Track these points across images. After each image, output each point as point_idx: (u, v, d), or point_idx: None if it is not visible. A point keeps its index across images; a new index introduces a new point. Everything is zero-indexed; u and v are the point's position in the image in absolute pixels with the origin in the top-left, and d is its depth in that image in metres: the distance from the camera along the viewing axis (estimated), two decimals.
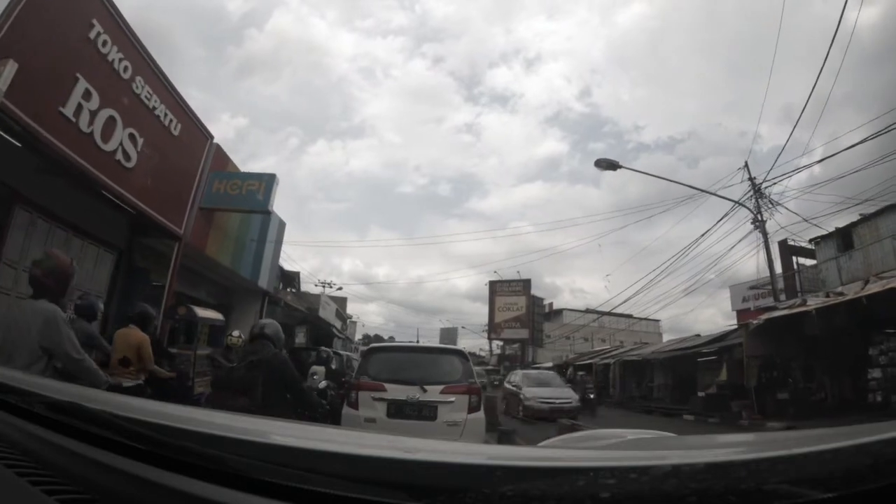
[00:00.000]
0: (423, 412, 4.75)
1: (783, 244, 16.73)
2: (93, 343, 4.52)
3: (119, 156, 7.25)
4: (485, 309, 44.80)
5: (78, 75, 6.32)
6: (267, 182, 10.51)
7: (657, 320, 39.96)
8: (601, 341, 37.82)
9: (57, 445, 0.81)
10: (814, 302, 11.30)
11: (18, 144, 5.79)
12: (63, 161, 6.24)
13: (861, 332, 10.77)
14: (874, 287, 9.85)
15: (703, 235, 15.97)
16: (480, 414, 5.01)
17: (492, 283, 43.62)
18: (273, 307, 16.38)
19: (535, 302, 42.98)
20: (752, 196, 14.09)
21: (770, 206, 14.00)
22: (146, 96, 7.81)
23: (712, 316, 55.11)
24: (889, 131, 10.73)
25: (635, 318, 35.37)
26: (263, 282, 14.23)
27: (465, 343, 45.88)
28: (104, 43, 6.73)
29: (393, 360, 5.33)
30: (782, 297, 14.71)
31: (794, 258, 17.62)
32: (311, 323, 21.79)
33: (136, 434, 0.74)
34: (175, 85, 8.76)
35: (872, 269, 12.97)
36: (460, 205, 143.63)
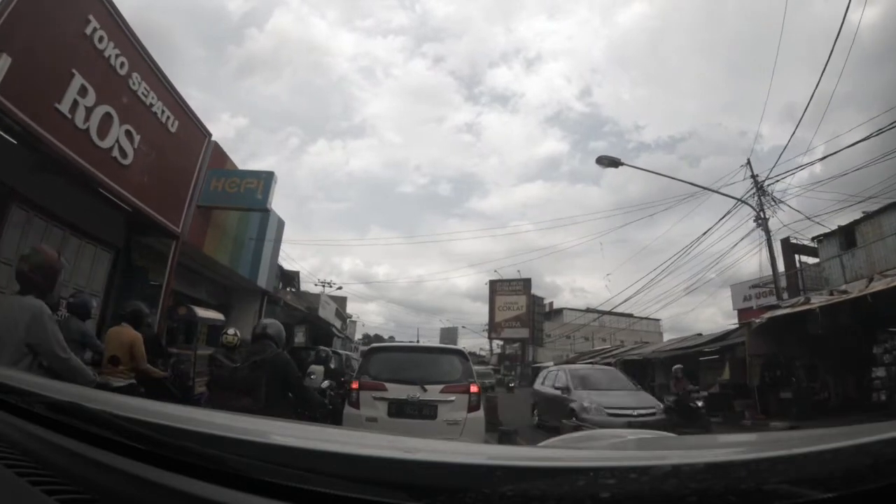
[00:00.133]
0: (423, 411, 4.81)
1: (786, 242, 16.73)
2: (85, 342, 4.50)
3: (115, 153, 7.24)
4: (485, 308, 44.91)
5: (74, 71, 6.30)
6: (265, 180, 10.49)
7: (658, 319, 40.07)
8: (602, 340, 37.88)
9: (57, 445, 0.81)
10: (817, 300, 11.31)
11: (13, 141, 5.78)
12: (59, 158, 6.23)
13: (865, 330, 10.76)
14: (878, 285, 9.85)
15: (704, 234, 16.00)
16: (480, 413, 5.07)
17: (492, 283, 43.68)
18: (272, 306, 16.37)
19: (535, 301, 43.05)
20: (754, 194, 14.11)
21: (772, 203, 14.02)
22: (143, 93, 7.79)
23: (713, 315, 55.21)
24: (891, 128, 10.73)
25: (636, 317, 35.42)
26: (262, 281, 14.22)
27: (465, 343, 46.00)
28: (100, 39, 6.71)
29: (394, 360, 5.39)
30: (785, 295, 14.72)
31: (796, 256, 17.62)
32: (310, 322, 21.80)
33: (136, 434, 0.74)
34: (174, 84, 8.75)
35: (876, 267, 12.96)
36: (461, 204, 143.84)
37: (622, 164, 13.57)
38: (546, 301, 46.70)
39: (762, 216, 13.97)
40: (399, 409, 4.79)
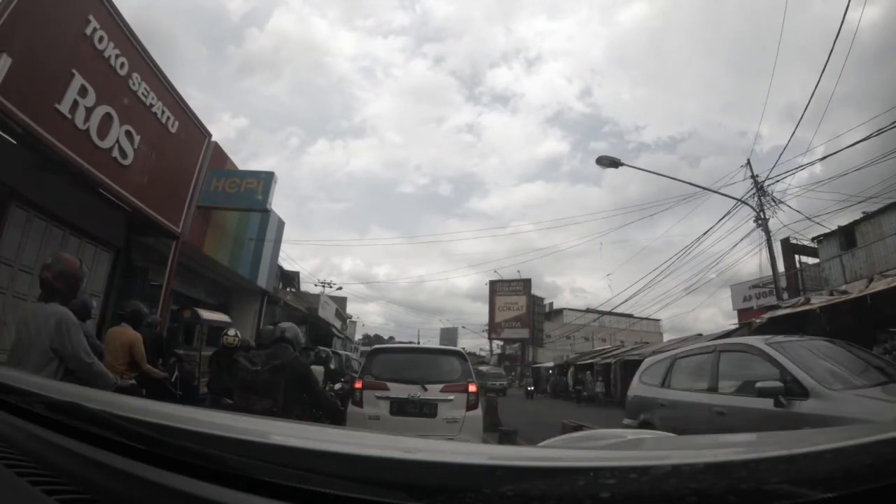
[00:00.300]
0: (423, 410, 4.95)
1: (786, 242, 16.73)
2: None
3: (116, 153, 7.25)
4: (485, 308, 44.90)
5: (74, 71, 6.31)
6: (265, 180, 10.50)
7: (658, 320, 40.06)
8: (602, 341, 37.88)
9: (57, 445, 0.81)
10: (817, 300, 11.31)
11: (13, 141, 5.79)
12: (59, 158, 6.24)
13: (865, 330, 10.76)
14: (879, 285, 9.85)
15: (704, 234, 15.99)
16: (478, 411, 5.23)
17: (492, 283, 43.68)
18: (272, 307, 16.38)
19: (535, 301, 43.03)
20: (754, 194, 14.10)
21: (772, 204, 14.02)
22: (143, 93, 7.80)
23: (713, 315, 55.21)
24: (891, 128, 10.73)
25: (636, 317, 35.41)
26: (262, 281, 14.22)
27: (465, 343, 46.04)
28: (100, 39, 6.72)
29: (395, 361, 5.54)
30: (785, 295, 14.72)
31: (796, 256, 17.62)
32: (310, 323, 21.80)
33: (136, 434, 0.74)
34: (175, 84, 8.76)
35: (876, 267, 12.95)
36: (461, 204, 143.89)
37: (622, 164, 13.57)
38: (546, 301, 46.70)
39: (762, 216, 13.98)
40: (400, 407, 4.93)
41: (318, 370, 6.96)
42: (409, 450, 0.80)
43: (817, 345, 4.32)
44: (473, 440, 4.85)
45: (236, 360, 3.93)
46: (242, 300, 14.69)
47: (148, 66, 7.91)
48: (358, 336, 47.86)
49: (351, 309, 43.33)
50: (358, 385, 5.22)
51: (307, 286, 28.48)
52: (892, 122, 10.80)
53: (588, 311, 38.11)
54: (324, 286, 30.45)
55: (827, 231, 15.89)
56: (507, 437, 7.30)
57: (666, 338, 29.43)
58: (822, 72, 10.73)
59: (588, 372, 24.53)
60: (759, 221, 14.01)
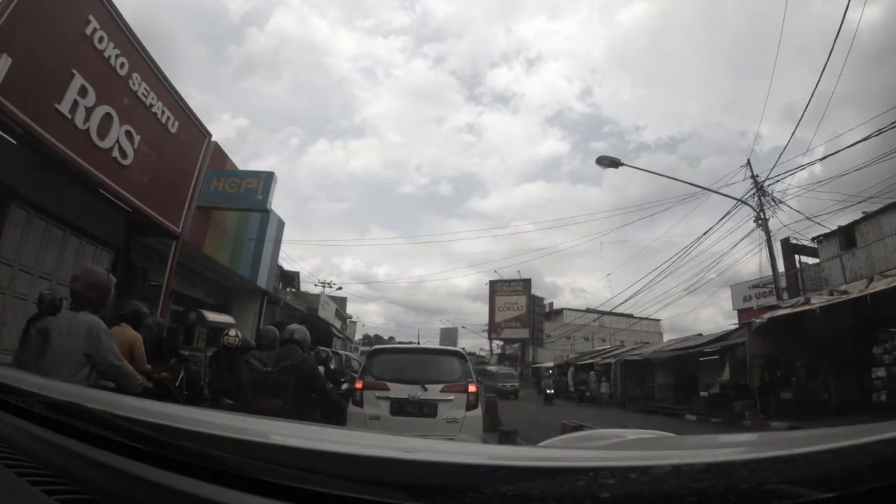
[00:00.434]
0: (423, 410, 4.96)
1: (786, 242, 16.73)
2: None
3: (116, 153, 7.25)
4: (485, 308, 44.88)
5: (74, 72, 6.31)
6: (265, 180, 10.50)
7: (658, 320, 39.98)
8: (602, 341, 37.85)
9: (57, 445, 0.81)
10: (817, 300, 11.31)
11: (13, 141, 5.79)
12: (59, 158, 6.24)
13: (865, 330, 10.76)
14: (879, 285, 9.86)
15: (704, 234, 16.02)
16: (478, 411, 5.24)
17: (492, 283, 43.66)
18: (272, 307, 16.38)
19: (535, 301, 43.01)
20: (754, 194, 14.11)
21: (772, 204, 14.03)
22: (143, 93, 7.80)
23: (713, 315, 55.02)
24: (891, 128, 10.74)
25: (636, 317, 35.40)
26: (262, 281, 14.22)
27: (465, 343, 46.02)
28: (100, 39, 6.72)
29: (395, 361, 5.56)
30: (785, 295, 14.72)
31: (796, 256, 17.62)
32: (310, 323, 21.78)
33: (136, 434, 0.74)
34: (175, 84, 8.77)
35: (876, 267, 12.94)
36: (461, 204, 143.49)
37: (622, 164, 13.59)
38: (546, 301, 46.69)
39: (762, 216, 13.98)
40: (401, 407, 4.94)
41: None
42: (409, 450, 0.80)
43: None
44: (473, 440, 4.86)
45: (247, 361, 4.08)
46: (242, 300, 14.69)
47: (148, 66, 7.91)
48: (358, 336, 47.86)
49: (351, 309, 43.36)
50: (358, 385, 5.25)
51: (307, 286, 28.53)
52: (892, 122, 10.81)
53: (588, 311, 38.09)
54: (324, 286, 30.49)
55: (827, 231, 15.90)
56: (507, 437, 7.30)
57: (666, 338, 29.43)
58: (822, 72, 10.76)
59: (591, 372, 24.43)
60: (759, 221, 14.03)
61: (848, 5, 9.40)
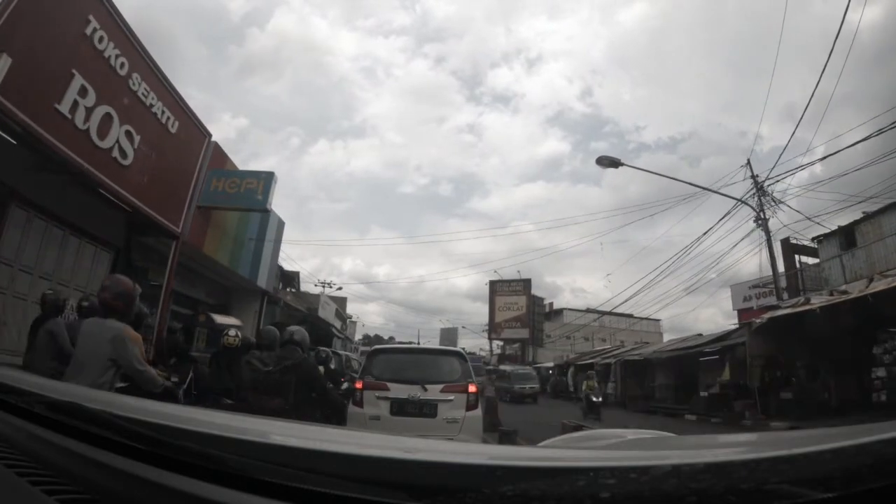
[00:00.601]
0: (423, 410, 4.97)
1: (786, 242, 16.72)
2: None
3: (116, 153, 7.24)
4: (485, 309, 44.83)
5: (74, 72, 6.30)
6: (265, 180, 10.50)
7: (658, 320, 39.95)
8: (602, 341, 37.83)
9: (57, 445, 0.81)
10: (817, 300, 11.30)
11: (13, 141, 5.79)
12: (59, 158, 6.24)
13: (865, 330, 10.76)
14: (879, 285, 9.86)
15: (704, 234, 16.01)
16: (478, 411, 5.25)
17: (492, 283, 43.63)
18: (272, 307, 16.36)
19: (535, 301, 42.98)
20: (754, 194, 14.11)
21: (772, 204, 14.03)
22: (143, 93, 7.80)
23: (713, 315, 55.07)
24: (891, 128, 10.73)
25: (636, 317, 35.38)
26: (262, 281, 14.21)
27: (465, 343, 45.99)
28: (100, 39, 6.71)
29: (395, 361, 5.56)
30: (785, 295, 14.72)
31: (796, 256, 17.61)
32: (310, 323, 21.79)
33: (136, 434, 0.74)
34: (175, 84, 8.76)
35: (876, 267, 12.94)
36: (461, 205, 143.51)
37: (622, 164, 13.59)
38: (546, 301, 46.65)
39: (762, 216, 13.98)
40: (401, 407, 4.95)
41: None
42: (409, 450, 0.80)
43: None
44: (473, 440, 4.86)
45: (248, 361, 4.12)
46: (242, 300, 14.68)
47: (148, 66, 7.90)
48: (358, 336, 47.84)
49: (351, 309, 43.34)
50: (358, 385, 5.26)
51: (307, 286, 28.51)
52: (892, 122, 10.81)
53: (588, 311, 38.08)
54: (324, 286, 30.48)
55: (827, 231, 15.89)
56: (507, 437, 7.30)
57: (666, 338, 29.40)
58: (822, 72, 10.75)
59: (591, 372, 24.08)
60: (759, 221, 14.02)
61: (848, 5, 9.40)
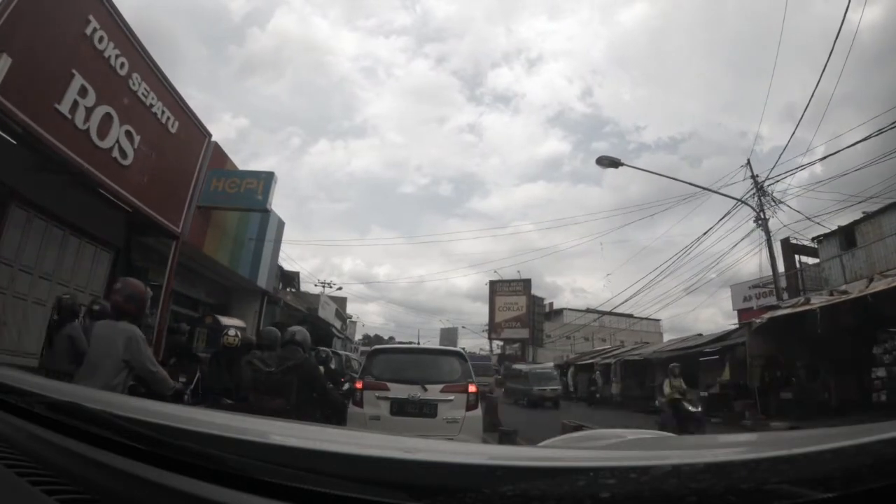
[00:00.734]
0: (423, 410, 4.97)
1: (786, 242, 16.73)
2: None
3: (115, 153, 7.24)
4: (485, 309, 44.82)
5: (74, 72, 6.30)
6: (265, 180, 10.50)
7: (658, 320, 39.96)
8: (602, 341, 37.83)
9: (57, 445, 0.81)
10: (817, 300, 11.31)
11: (13, 141, 5.79)
12: (59, 158, 6.23)
13: (865, 330, 10.76)
14: (879, 285, 9.87)
15: (704, 234, 16.02)
16: (478, 411, 5.26)
17: (492, 283, 43.62)
18: (272, 307, 16.36)
19: (535, 301, 42.98)
20: (754, 194, 14.12)
21: (772, 204, 14.03)
22: (143, 93, 7.79)
23: (713, 315, 55.08)
24: (891, 128, 10.74)
25: (636, 317, 35.38)
26: (262, 281, 14.21)
27: (465, 343, 45.95)
28: (100, 39, 6.71)
29: (395, 361, 5.57)
30: (785, 295, 14.72)
31: (796, 256, 17.62)
32: (310, 323, 21.78)
33: (136, 434, 0.74)
34: (175, 84, 8.76)
35: (876, 267, 12.94)
36: (461, 205, 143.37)
37: (622, 164, 13.59)
38: (546, 301, 46.65)
39: (762, 216, 13.98)
40: (401, 407, 4.95)
41: None
42: (409, 450, 0.80)
43: None
44: (473, 440, 4.86)
45: (249, 362, 4.15)
46: (242, 300, 14.68)
47: (148, 66, 7.90)
48: (358, 336, 47.83)
49: (351, 309, 43.35)
50: (358, 385, 5.26)
51: (307, 286, 28.51)
52: (892, 122, 10.81)
53: (588, 311, 38.08)
54: (324, 286, 30.48)
55: (827, 231, 15.89)
56: (507, 437, 7.30)
57: (666, 338, 29.40)
58: (822, 72, 10.75)
59: (597, 372, 23.94)
60: (759, 221, 14.02)
61: (848, 6, 9.40)
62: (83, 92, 6.45)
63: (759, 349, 12.72)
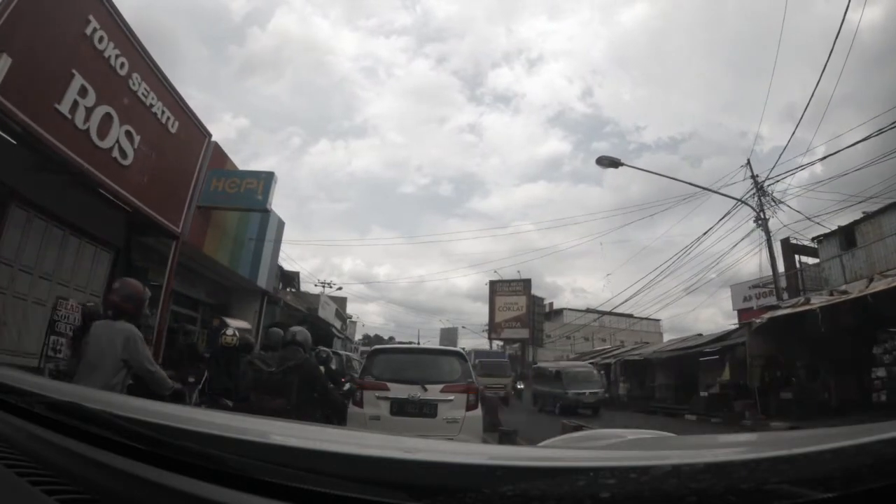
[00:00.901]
0: (423, 410, 4.98)
1: (786, 242, 16.74)
2: None
3: (116, 153, 7.24)
4: (485, 309, 44.77)
5: (74, 72, 6.30)
6: (265, 180, 10.50)
7: (658, 320, 39.94)
8: (602, 341, 37.86)
9: (57, 445, 0.81)
10: (817, 300, 11.32)
11: (13, 141, 5.79)
12: (59, 158, 6.23)
13: (865, 330, 10.77)
14: (879, 285, 9.88)
15: (704, 234, 16.03)
16: (478, 411, 5.25)
17: (492, 283, 43.60)
18: (272, 307, 16.36)
19: (535, 301, 42.97)
20: (754, 194, 14.13)
21: (772, 204, 14.04)
22: (143, 93, 7.79)
23: (713, 315, 55.02)
24: (891, 129, 10.74)
25: (636, 317, 35.39)
26: (262, 281, 14.22)
27: (465, 343, 45.88)
28: (100, 39, 6.71)
29: (395, 361, 5.58)
30: (785, 295, 14.73)
31: (796, 256, 17.62)
32: (310, 323, 21.77)
33: (136, 434, 0.74)
34: (175, 84, 8.76)
35: (876, 267, 12.95)
36: (462, 205, 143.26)
37: (622, 164, 13.61)
38: (546, 301, 46.64)
39: (762, 216, 13.99)
40: (401, 407, 4.96)
41: None
42: (409, 450, 0.80)
43: None
44: (473, 440, 4.87)
45: (250, 362, 4.17)
46: (242, 300, 14.68)
47: (148, 66, 7.90)
48: (358, 336, 47.83)
49: (351, 309, 43.34)
50: (358, 385, 5.27)
51: (307, 286, 28.51)
52: (892, 122, 10.82)
53: (588, 311, 38.09)
54: (324, 286, 30.48)
55: (827, 231, 15.90)
56: (507, 437, 7.30)
57: (666, 338, 29.41)
58: (822, 72, 10.76)
59: (602, 372, 23.38)
60: (759, 221, 14.03)
61: (848, 6, 9.41)
62: (83, 92, 6.45)
63: (759, 349, 12.73)
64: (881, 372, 10.42)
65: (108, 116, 6.97)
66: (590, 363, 20.23)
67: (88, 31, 6.53)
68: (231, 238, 11.95)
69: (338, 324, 29.14)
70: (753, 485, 0.45)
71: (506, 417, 9.60)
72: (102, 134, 6.90)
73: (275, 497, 0.60)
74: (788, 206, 16.04)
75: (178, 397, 3.18)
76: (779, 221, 16.18)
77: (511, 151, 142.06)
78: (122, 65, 7.20)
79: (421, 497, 0.53)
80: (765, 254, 14.20)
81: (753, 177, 14.30)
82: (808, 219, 14.85)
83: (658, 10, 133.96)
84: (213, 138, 10.48)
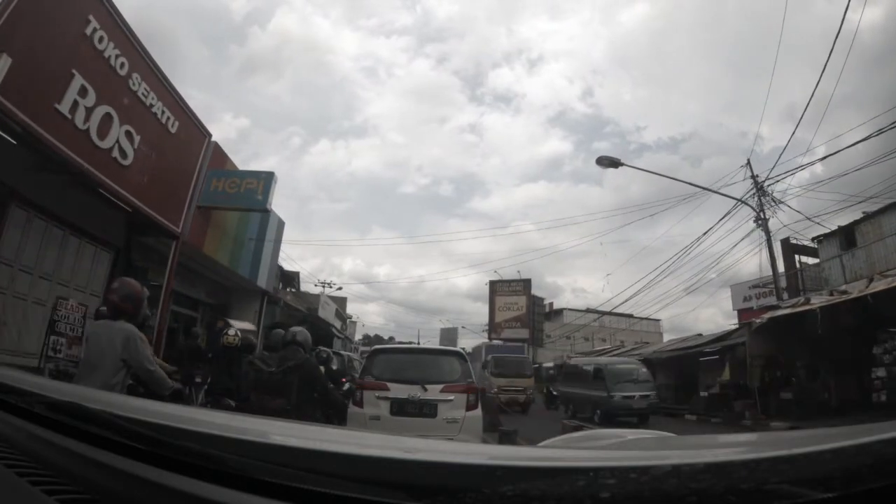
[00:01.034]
0: (423, 410, 4.98)
1: (786, 242, 16.73)
2: None
3: (115, 153, 7.24)
4: (485, 309, 44.77)
5: (74, 72, 6.30)
6: (265, 180, 10.50)
7: (658, 320, 39.94)
8: (602, 341, 37.84)
9: (57, 445, 0.81)
10: (817, 300, 11.32)
11: (13, 141, 5.79)
12: (59, 159, 6.24)
13: (865, 330, 10.77)
14: (879, 285, 9.88)
15: (704, 234, 16.02)
16: (478, 411, 5.25)
17: (492, 283, 43.59)
18: (272, 307, 16.36)
19: (535, 301, 42.96)
20: (754, 194, 14.13)
21: (772, 204, 14.04)
22: (143, 93, 7.79)
23: (713, 315, 55.02)
24: (891, 129, 10.75)
25: (636, 317, 35.39)
26: (262, 281, 14.22)
27: (465, 343, 45.83)
28: (100, 39, 6.71)
29: (395, 361, 5.59)
30: (785, 295, 14.73)
31: (796, 256, 17.62)
32: (310, 323, 21.78)
33: (136, 434, 0.74)
34: (175, 84, 8.76)
35: (876, 267, 12.95)
36: (462, 205, 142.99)
37: (622, 164, 13.61)
38: (546, 301, 46.65)
39: (762, 216, 13.99)
40: (401, 407, 4.96)
41: None
42: (409, 450, 0.80)
43: None
44: (473, 440, 4.87)
45: (251, 362, 4.18)
46: (242, 300, 14.69)
47: (148, 66, 7.90)
48: (358, 336, 47.85)
49: (351, 309, 43.34)
50: (358, 385, 5.27)
51: (307, 286, 28.51)
52: (892, 122, 10.82)
53: (588, 311, 38.09)
54: (324, 286, 30.49)
55: (827, 231, 15.90)
56: (507, 437, 7.30)
57: (666, 338, 29.41)
58: (822, 72, 10.75)
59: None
60: (759, 221, 14.03)
61: (848, 6, 9.41)
62: (83, 92, 6.45)
63: (759, 349, 12.73)
64: (881, 372, 10.42)
65: (108, 116, 6.97)
66: (636, 358, 17.03)
67: (88, 31, 6.52)
68: (231, 238, 11.96)
69: (338, 324, 29.15)
70: (753, 485, 0.45)
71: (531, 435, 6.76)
72: (102, 134, 6.90)
73: (275, 497, 0.60)
74: (788, 206, 16.03)
75: (177, 397, 3.17)
76: (779, 221, 16.19)
77: (511, 151, 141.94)
78: (122, 65, 7.20)
79: (421, 497, 0.53)
80: (765, 254, 14.22)
81: (753, 177, 14.30)
82: (808, 219, 14.86)
83: (658, 11, 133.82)
84: (214, 138, 10.49)
